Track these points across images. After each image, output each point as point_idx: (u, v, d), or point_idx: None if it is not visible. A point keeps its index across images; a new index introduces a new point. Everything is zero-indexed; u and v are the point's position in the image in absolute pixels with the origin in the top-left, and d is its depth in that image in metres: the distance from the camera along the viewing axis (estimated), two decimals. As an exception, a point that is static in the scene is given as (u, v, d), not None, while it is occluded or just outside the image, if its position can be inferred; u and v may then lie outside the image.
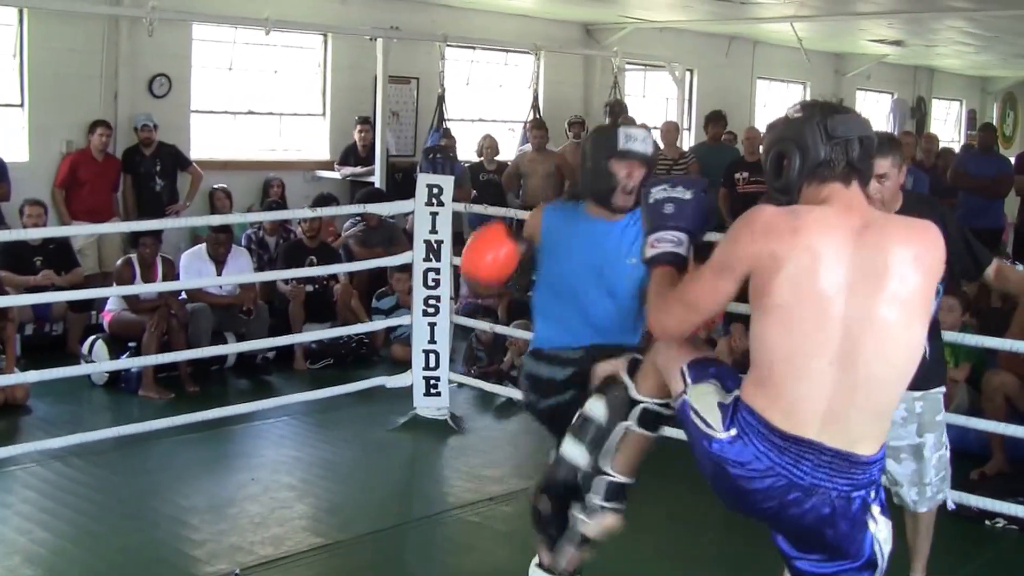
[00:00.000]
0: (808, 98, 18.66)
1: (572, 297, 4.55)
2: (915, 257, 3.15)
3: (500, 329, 8.87)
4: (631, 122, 13.53)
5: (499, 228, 4.54)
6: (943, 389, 5.35)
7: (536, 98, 14.72)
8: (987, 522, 6.62)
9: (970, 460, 7.32)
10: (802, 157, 3.28)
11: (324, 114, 13.50)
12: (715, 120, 12.95)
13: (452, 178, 8.30)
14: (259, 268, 10.51)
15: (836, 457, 3.18)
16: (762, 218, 3.25)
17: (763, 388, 3.23)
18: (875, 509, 3.33)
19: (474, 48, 14.93)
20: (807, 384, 3.15)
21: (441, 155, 11.78)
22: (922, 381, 4.86)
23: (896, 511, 6.06)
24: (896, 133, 17.64)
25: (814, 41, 17.57)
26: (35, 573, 5.48)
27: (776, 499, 3.23)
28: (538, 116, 14.35)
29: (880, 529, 3.36)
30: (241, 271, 9.63)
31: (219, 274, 9.51)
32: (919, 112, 22.37)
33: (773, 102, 20.17)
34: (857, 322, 3.11)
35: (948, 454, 5.35)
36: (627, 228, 4.50)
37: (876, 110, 22.48)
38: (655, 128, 14.26)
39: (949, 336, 6.75)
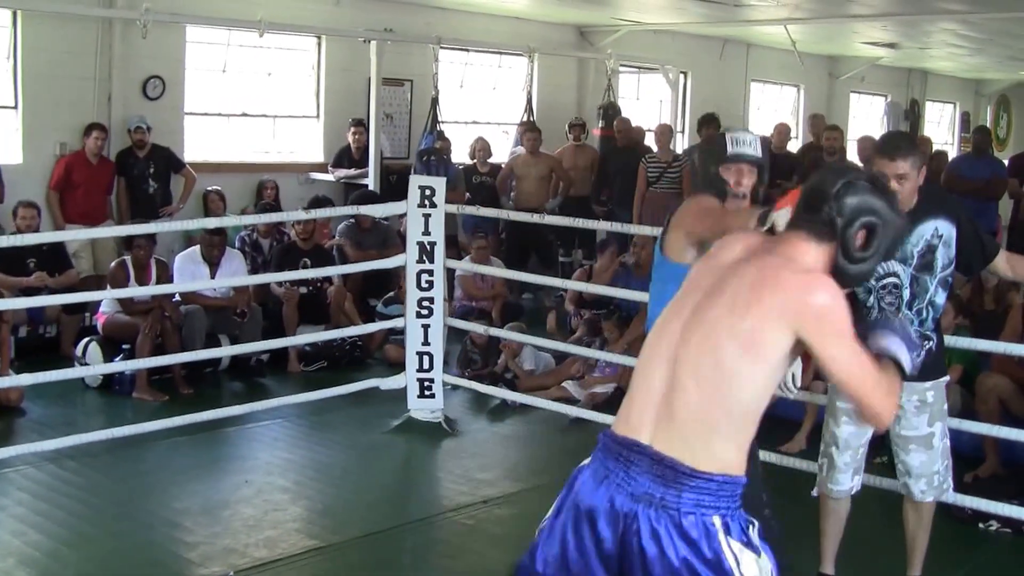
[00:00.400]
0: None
1: None
2: (762, 292, 3.05)
3: (494, 331, 8.88)
4: (627, 126, 13.59)
5: None
6: (948, 378, 5.42)
7: (530, 100, 14.74)
8: (980, 525, 6.65)
9: (963, 462, 7.32)
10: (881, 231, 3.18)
11: (318, 116, 13.49)
12: (709, 123, 12.95)
13: (445, 180, 8.30)
14: (253, 270, 10.51)
15: (661, 464, 3.10)
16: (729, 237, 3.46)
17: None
18: (734, 544, 3.11)
19: (468, 50, 14.93)
20: (641, 383, 3.22)
21: (435, 157, 11.79)
22: (931, 371, 4.91)
23: (890, 510, 6.09)
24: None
25: (808, 44, 17.58)
26: (29, 575, 5.48)
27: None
28: (531, 119, 14.37)
29: (747, 564, 3.11)
30: (235, 273, 9.62)
31: (213, 276, 9.50)
32: (913, 115, 22.40)
33: (767, 104, 20.20)
34: (690, 331, 3.13)
35: (948, 443, 5.41)
36: None
37: (870, 113, 22.53)
38: (649, 131, 14.31)
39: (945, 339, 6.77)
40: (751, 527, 3.16)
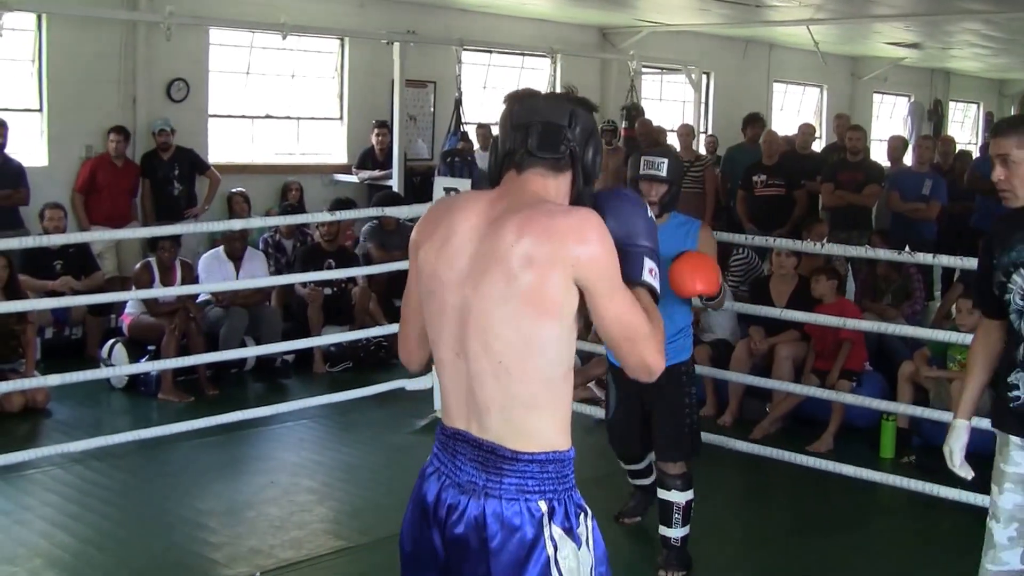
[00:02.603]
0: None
1: None
2: (525, 248, 2.79)
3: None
4: (649, 127, 13.59)
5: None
6: None
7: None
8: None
9: (991, 462, 7.28)
10: (495, 147, 3.06)
11: (341, 118, 13.52)
12: (753, 122, 12.95)
13: (469, 181, 8.30)
14: (276, 271, 10.53)
15: (481, 449, 2.90)
16: (426, 210, 3.19)
17: None
18: (555, 530, 2.89)
19: (491, 52, 14.94)
20: (444, 376, 3.00)
21: (459, 158, 11.80)
22: None
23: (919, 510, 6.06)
24: (913, 136, 17.62)
25: (830, 44, 17.55)
26: (57, 575, 5.50)
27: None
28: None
29: (565, 555, 2.89)
30: (256, 272, 9.64)
31: (237, 272, 9.56)
32: (936, 115, 22.32)
33: (790, 105, 20.17)
34: (468, 313, 2.87)
35: None
36: (666, 234, 4.72)
37: (893, 113, 22.47)
38: (671, 131, 14.29)
39: (969, 339, 6.73)
40: (582, 514, 2.93)
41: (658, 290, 3.03)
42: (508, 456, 2.86)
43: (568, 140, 2.97)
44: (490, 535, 2.84)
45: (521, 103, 3.04)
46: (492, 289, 2.82)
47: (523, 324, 2.80)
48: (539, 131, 2.97)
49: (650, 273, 3.01)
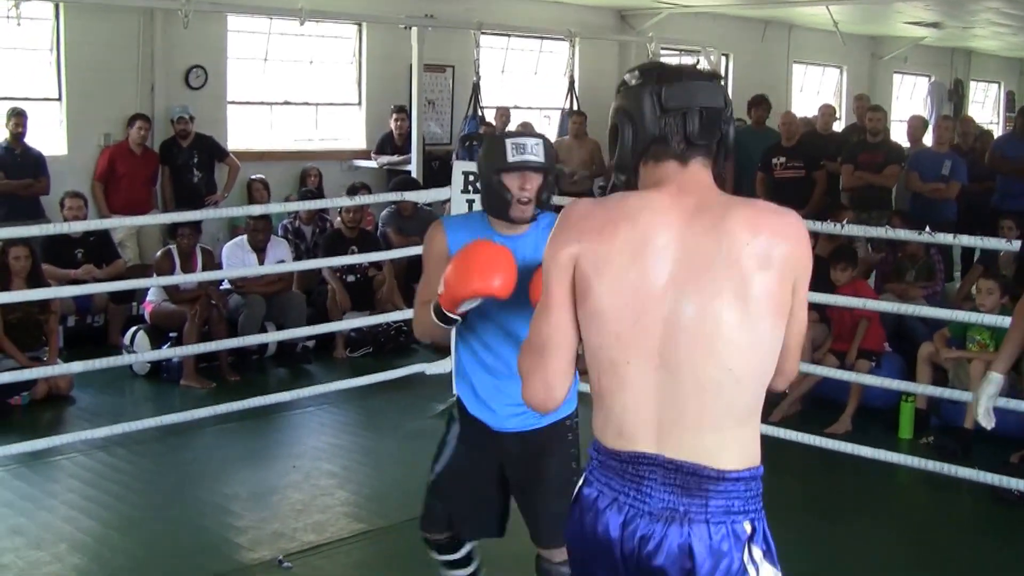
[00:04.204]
0: (705, 66, 18.62)
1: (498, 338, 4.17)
2: (762, 248, 2.58)
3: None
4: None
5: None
6: None
7: (572, 85, 14.72)
8: (1029, 505, 6.60)
9: (1010, 443, 7.29)
10: (635, 132, 2.73)
11: (360, 103, 13.53)
12: (758, 104, 12.90)
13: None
14: (296, 257, 10.56)
15: (679, 472, 2.65)
16: (572, 217, 2.76)
17: (597, 408, 2.78)
18: (756, 552, 2.71)
19: (508, 35, 14.92)
20: (627, 394, 2.67)
21: (477, 142, 11.80)
22: None
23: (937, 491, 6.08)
24: (933, 117, 17.55)
25: (850, 24, 17.48)
26: (80, 560, 5.55)
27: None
28: (574, 103, 14.37)
29: None
30: (280, 259, 9.67)
31: (261, 263, 9.56)
32: (957, 95, 22.20)
33: (809, 86, 20.10)
34: (682, 320, 2.60)
35: None
36: (538, 240, 3.97)
37: (913, 93, 22.37)
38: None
39: (989, 319, 6.74)
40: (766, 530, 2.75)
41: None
42: (713, 476, 2.63)
43: (724, 123, 2.76)
44: (698, 564, 2.62)
45: (673, 85, 2.71)
46: (721, 292, 2.57)
47: (759, 327, 2.59)
48: (701, 118, 2.71)
49: None
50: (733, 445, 2.65)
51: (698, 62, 12.86)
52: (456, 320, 3.90)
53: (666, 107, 2.69)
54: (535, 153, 4.01)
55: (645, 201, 2.70)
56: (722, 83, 2.82)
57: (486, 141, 4.26)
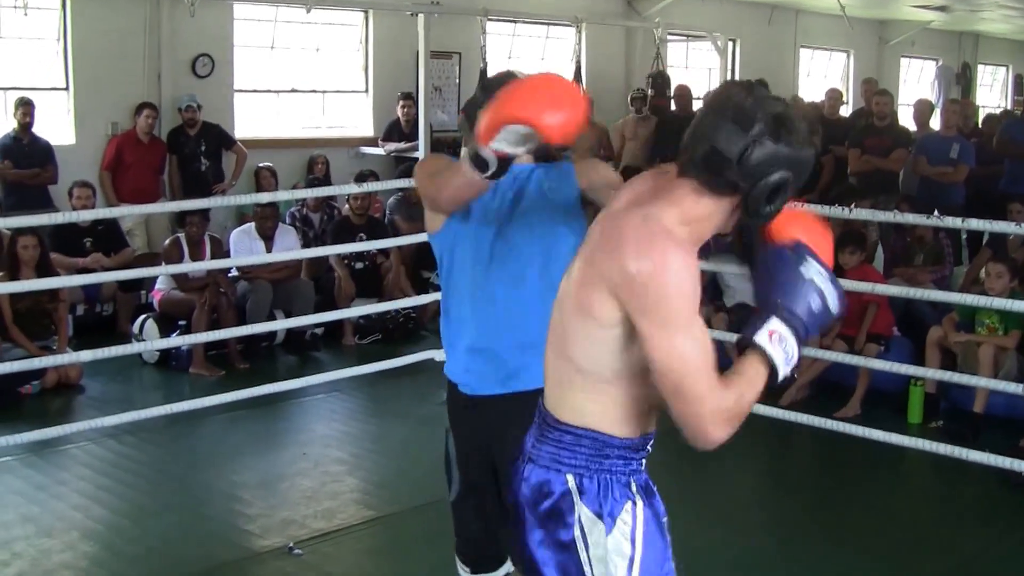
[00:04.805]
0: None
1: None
2: (602, 246, 2.61)
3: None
4: (686, 92, 13.52)
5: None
6: None
7: (579, 71, 14.68)
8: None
9: (1020, 427, 7.30)
10: (701, 124, 2.62)
11: (367, 90, 13.52)
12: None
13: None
14: (304, 244, 10.56)
15: (541, 415, 2.86)
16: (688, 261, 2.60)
17: None
18: (583, 509, 2.72)
19: (515, 22, 14.90)
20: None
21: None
22: None
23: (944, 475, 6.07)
24: (941, 101, 17.51)
25: (857, 8, 17.44)
26: (92, 548, 5.57)
27: None
28: (582, 89, 14.35)
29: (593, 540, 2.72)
30: (289, 248, 9.68)
31: (268, 251, 9.57)
32: (964, 79, 22.14)
33: (816, 71, 20.05)
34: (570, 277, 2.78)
35: None
36: (540, 181, 3.69)
37: (921, 77, 22.31)
38: (697, 99, 14.23)
39: (998, 303, 6.74)
40: (629, 502, 2.72)
41: (776, 358, 2.57)
42: (550, 423, 2.80)
43: (732, 174, 2.56)
44: (527, 506, 2.79)
45: (706, 113, 2.62)
46: (577, 267, 2.73)
47: (574, 317, 2.70)
48: (705, 152, 2.57)
49: (770, 336, 2.58)
50: (568, 401, 2.73)
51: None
52: (492, 164, 3.13)
53: (694, 127, 2.63)
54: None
55: (636, 182, 2.83)
56: (769, 137, 2.55)
57: (483, 84, 3.84)
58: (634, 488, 2.74)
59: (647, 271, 2.48)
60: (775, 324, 2.58)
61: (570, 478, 2.71)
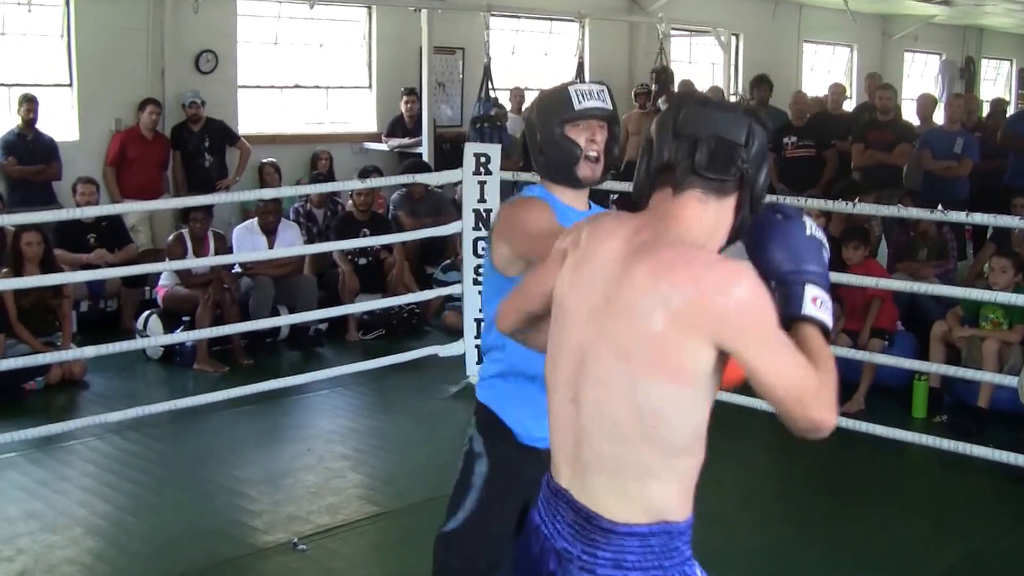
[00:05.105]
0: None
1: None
2: (654, 300, 2.38)
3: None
4: (691, 87, 13.51)
5: None
6: None
7: (581, 66, 14.68)
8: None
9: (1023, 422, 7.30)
10: (649, 157, 2.58)
11: (370, 86, 13.52)
12: (760, 84, 12.87)
13: (499, 147, 8.33)
14: (308, 240, 10.57)
15: (579, 515, 2.52)
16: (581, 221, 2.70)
17: None
18: None
19: (518, 17, 14.89)
20: (553, 422, 2.61)
21: (488, 124, 11.79)
22: None
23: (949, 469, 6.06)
24: (945, 95, 17.50)
25: (861, 3, 17.42)
26: (96, 544, 5.57)
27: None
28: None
29: None
30: (291, 243, 9.68)
31: (271, 246, 9.57)
32: (968, 73, 22.11)
33: (820, 66, 20.04)
34: (589, 356, 2.49)
35: None
36: None
37: (924, 72, 22.29)
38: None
39: (1002, 297, 6.73)
40: None
41: (828, 323, 2.52)
42: (605, 528, 2.46)
43: (742, 161, 2.52)
44: None
45: (689, 109, 2.55)
46: (615, 338, 2.43)
47: (639, 384, 2.40)
48: (710, 147, 2.50)
49: (814, 303, 2.50)
50: (634, 497, 2.45)
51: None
52: None
53: (678, 132, 2.53)
54: (601, 99, 3.59)
55: (614, 223, 2.60)
56: (755, 122, 2.56)
57: (542, 95, 3.74)
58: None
59: (743, 299, 2.35)
60: (813, 290, 2.51)
61: None
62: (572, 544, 2.49)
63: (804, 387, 2.36)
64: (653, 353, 2.36)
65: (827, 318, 2.50)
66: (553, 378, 2.59)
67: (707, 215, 2.52)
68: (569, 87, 3.61)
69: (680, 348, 2.35)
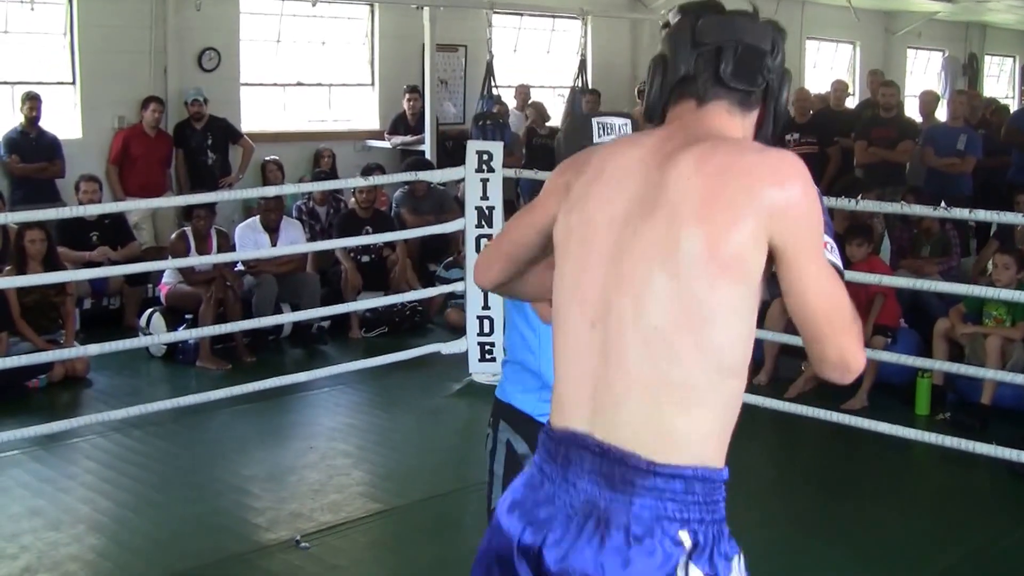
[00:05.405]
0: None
1: None
2: (707, 188, 2.16)
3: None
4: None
5: None
6: None
7: (583, 64, 14.67)
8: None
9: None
10: (664, 72, 2.41)
11: (373, 84, 13.51)
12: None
13: (502, 144, 8.33)
14: (311, 238, 10.57)
15: (605, 458, 2.20)
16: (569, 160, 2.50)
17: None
18: (694, 572, 2.16)
19: (521, 14, 14.88)
20: (566, 356, 2.32)
21: (491, 121, 11.79)
22: None
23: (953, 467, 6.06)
24: (948, 92, 17.49)
25: (864, -1, 17.40)
26: (99, 541, 5.57)
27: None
28: (586, 82, 14.34)
29: None
30: (294, 241, 9.68)
31: (273, 243, 9.57)
32: (971, 69, 22.09)
33: (823, 62, 20.01)
34: (616, 265, 2.23)
35: None
36: None
37: (927, 68, 22.26)
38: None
39: (1006, 294, 6.73)
40: (737, 558, 2.25)
41: (841, 266, 2.32)
42: (643, 468, 2.17)
43: (768, 71, 2.36)
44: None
45: (709, 18, 2.36)
46: (655, 236, 2.18)
47: (693, 288, 2.14)
48: (736, 54, 2.33)
49: (825, 247, 2.27)
50: (673, 430, 2.18)
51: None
52: None
53: (698, 41, 2.35)
54: (622, 134, 3.53)
55: (632, 138, 2.45)
56: (776, 29, 2.43)
57: (569, 120, 3.67)
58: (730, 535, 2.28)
59: (801, 193, 2.17)
60: (825, 236, 2.28)
61: (684, 536, 2.17)
62: (599, 493, 2.18)
63: (844, 312, 2.23)
64: (703, 246, 2.13)
65: (838, 261, 2.31)
66: (568, 306, 2.32)
67: (734, 127, 2.36)
68: (593, 119, 3.60)
69: (733, 238, 2.12)
